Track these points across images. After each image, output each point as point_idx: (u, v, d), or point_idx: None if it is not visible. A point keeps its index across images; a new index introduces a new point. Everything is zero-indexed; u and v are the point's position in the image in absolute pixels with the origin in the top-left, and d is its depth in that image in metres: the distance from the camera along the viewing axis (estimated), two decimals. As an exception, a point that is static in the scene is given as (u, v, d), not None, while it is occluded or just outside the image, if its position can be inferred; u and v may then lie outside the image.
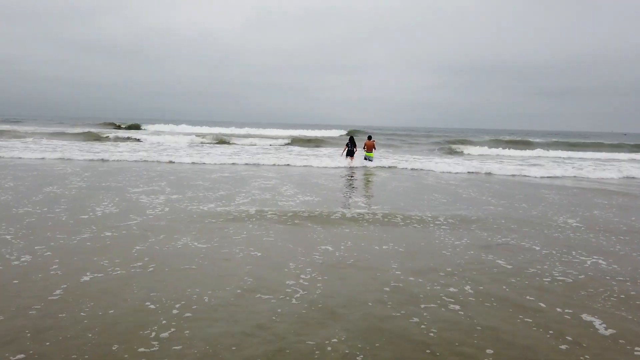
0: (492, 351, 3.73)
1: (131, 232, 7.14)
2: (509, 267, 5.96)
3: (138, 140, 33.95)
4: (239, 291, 4.87)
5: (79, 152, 21.54)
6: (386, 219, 8.59)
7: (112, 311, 4.30)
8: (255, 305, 4.52)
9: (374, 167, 19.22)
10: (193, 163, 18.92)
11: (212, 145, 32.33)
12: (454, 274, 5.61)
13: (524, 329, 4.15)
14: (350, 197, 11.73)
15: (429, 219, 8.74)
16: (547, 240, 7.48)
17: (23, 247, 6.14)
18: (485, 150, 33.87)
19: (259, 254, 6.26)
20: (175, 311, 4.32)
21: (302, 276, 5.39)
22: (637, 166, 23.07)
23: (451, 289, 5.09)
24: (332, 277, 5.43)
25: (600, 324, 4.28)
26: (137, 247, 6.32)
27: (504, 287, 5.24)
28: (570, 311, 4.59)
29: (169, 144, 31.46)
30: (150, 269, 5.49)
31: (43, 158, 18.96)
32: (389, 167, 19.54)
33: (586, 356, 3.70)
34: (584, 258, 6.50)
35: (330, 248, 6.64)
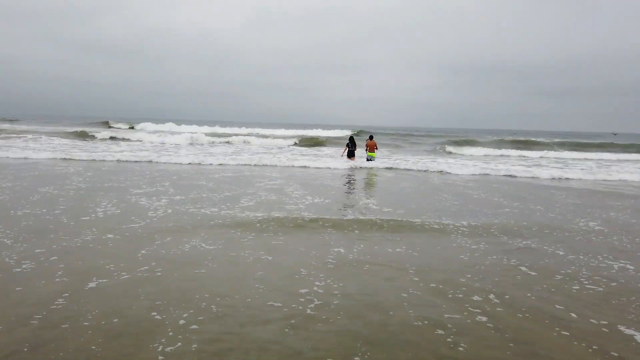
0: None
1: (136, 234, 6.84)
2: (533, 273, 5.66)
3: (127, 139, 33.20)
4: (249, 300, 4.57)
5: (49, 152, 20.95)
6: (399, 222, 8.26)
7: (116, 320, 4.00)
8: (268, 315, 4.22)
9: (378, 168, 18.87)
10: (190, 163, 18.60)
11: (212, 144, 32.00)
12: (475, 281, 5.31)
13: (563, 344, 3.84)
14: (359, 198, 11.41)
15: (443, 221, 8.44)
16: (571, 244, 7.17)
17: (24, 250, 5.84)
18: (488, 150, 33.55)
19: (270, 257, 5.96)
20: (182, 321, 4.02)
21: (317, 283, 5.09)
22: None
23: (475, 298, 4.79)
24: (347, 283, 5.12)
25: (640, 338, 3.98)
26: (142, 251, 6.02)
27: (529, 294, 4.94)
28: (605, 322, 4.29)
29: (150, 142, 30.76)
30: (158, 274, 5.19)
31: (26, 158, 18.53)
32: (393, 167, 19.20)
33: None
34: (610, 262, 6.20)
35: (342, 250, 6.35)
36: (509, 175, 17.59)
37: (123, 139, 33.55)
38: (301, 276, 5.31)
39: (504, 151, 33.50)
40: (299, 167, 18.39)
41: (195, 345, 3.62)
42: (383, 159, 21.86)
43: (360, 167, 18.76)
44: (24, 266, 5.31)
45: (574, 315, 4.43)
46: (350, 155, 20.61)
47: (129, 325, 3.95)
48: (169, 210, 8.55)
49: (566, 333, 4.02)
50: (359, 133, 45.77)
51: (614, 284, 5.38)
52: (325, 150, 30.52)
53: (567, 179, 17.47)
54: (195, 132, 39.17)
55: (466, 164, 21.42)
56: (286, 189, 11.84)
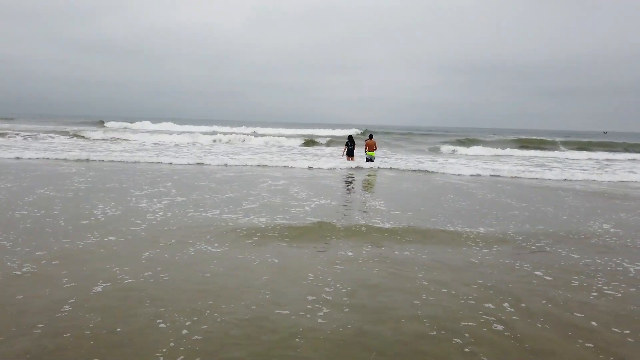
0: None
1: (139, 236, 6.67)
2: (549, 278, 5.48)
3: (117, 139, 32.64)
4: (254, 307, 4.39)
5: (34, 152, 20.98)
6: (408, 225, 8.06)
7: (119, 329, 3.84)
8: (275, 324, 4.05)
9: (380, 168, 18.66)
10: (188, 164, 18.42)
11: (212, 144, 31.82)
12: (488, 287, 5.13)
13: (587, 356, 3.67)
14: (365, 200, 11.21)
15: (452, 222, 8.27)
16: (585, 246, 7.00)
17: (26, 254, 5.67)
18: (490, 150, 33.29)
19: (277, 260, 5.79)
20: (185, 331, 3.85)
21: (326, 289, 4.92)
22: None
23: (489, 305, 4.61)
24: (356, 289, 4.95)
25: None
26: (146, 254, 5.85)
27: (544, 301, 4.76)
28: (628, 332, 4.11)
29: (150, 142, 30.38)
30: (164, 278, 5.02)
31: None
32: (395, 167, 18.98)
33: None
34: (627, 265, 6.03)
35: (350, 254, 6.18)
36: (514, 177, 17.38)
37: (123, 139, 33.36)
38: (309, 281, 5.14)
39: (508, 151, 33.28)
40: (300, 167, 18.19)
41: (198, 359, 3.45)
42: (384, 158, 21.65)
43: (362, 167, 18.54)
44: (24, 269, 5.14)
45: (594, 323, 4.26)
46: (350, 154, 20.36)
47: (132, 333, 3.78)
48: (170, 213, 8.38)
49: (590, 345, 3.84)
50: (365, 132, 45.44)
51: (633, 289, 5.21)
52: (325, 149, 30.35)
53: (571, 180, 17.28)
54: (194, 132, 38.85)
55: (468, 164, 21.25)
56: (290, 190, 11.65)
